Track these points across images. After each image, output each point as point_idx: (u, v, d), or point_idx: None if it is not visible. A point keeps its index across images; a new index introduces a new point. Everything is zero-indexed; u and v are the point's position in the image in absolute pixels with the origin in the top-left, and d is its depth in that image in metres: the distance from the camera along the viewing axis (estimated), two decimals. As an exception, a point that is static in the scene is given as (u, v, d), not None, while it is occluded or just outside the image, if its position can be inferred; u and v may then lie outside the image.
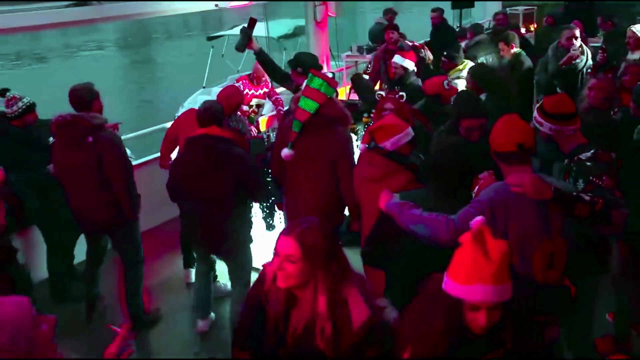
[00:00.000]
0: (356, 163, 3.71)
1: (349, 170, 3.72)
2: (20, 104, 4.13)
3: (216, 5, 5.91)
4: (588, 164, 2.84)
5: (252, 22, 4.77)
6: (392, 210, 2.57)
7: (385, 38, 6.87)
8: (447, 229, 2.37)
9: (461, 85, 5.22)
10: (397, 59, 5.63)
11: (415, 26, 7.57)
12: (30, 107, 4.18)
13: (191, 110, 4.50)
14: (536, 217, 2.43)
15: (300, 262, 1.96)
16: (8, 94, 4.17)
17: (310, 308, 1.99)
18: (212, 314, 4.31)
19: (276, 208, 4.74)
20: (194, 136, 3.69)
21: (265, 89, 6.15)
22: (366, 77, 5.95)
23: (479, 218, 1.95)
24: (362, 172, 3.49)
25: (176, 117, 5.14)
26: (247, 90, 5.97)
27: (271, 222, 4.97)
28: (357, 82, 5.83)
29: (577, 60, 5.94)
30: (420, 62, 5.89)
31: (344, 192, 3.79)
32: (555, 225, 2.48)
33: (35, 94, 4.39)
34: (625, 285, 3.61)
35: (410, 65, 5.58)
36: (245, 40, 4.70)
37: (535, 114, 3.08)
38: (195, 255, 4.42)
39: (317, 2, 7.17)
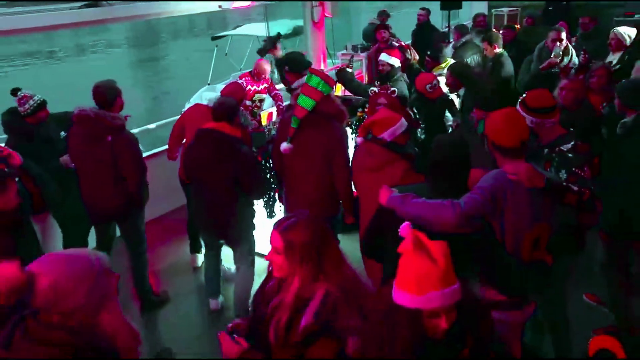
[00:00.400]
0: (353, 155, 3.74)
1: (343, 164, 3.78)
2: (31, 102, 4.14)
3: (220, 7, 5.95)
4: (569, 155, 2.88)
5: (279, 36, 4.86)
6: (393, 203, 2.51)
7: (377, 37, 6.96)
8: (453, 212, 2.33)
9: (442, 81, 5.30)
10: (383, 56, 5.72)
11: (404, 26, 7.61)
12: (42, 105, 4.18)
13: (196, 105, 4.58)
14: (529, 204, 2.49)
15: (283, 255, 1.99)
16: (19, 93, 4.17)
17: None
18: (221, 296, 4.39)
19: (277, 197, 4.81)
20: (205, 129, 3.73)
21: (265, 85, 6.24)
22: (349, 70, 5.98)
23: (405, 224, 1.90)
24: (362, 163, 3.50)
25: (182, 112, 5.21)
26: (249, 86, 6.03)
27: (272, 210, 5.06)
28: (341, 75, 5.90)
29: (555, 69, 5.95)
30: (405, 61, 5.96)
31: (339, 186, 3.83)
32: (545, 212, 2.56)
33: (49, 90, 4.43)
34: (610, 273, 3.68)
35: (396, 62, 5.67)
36: (270, 46, 4.85)
37: (517, 107, 3.09)
38: (202, 241, 4.47)
39: (314, 3, 7.20)
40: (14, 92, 4.24)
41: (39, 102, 4.17)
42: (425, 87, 4.96)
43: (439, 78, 5.33)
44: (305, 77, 3.87)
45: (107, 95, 3.82)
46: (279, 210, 4.82)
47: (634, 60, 5.08)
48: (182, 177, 4.36)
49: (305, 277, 1.97)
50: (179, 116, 5.08)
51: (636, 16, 10.37)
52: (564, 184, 2.60)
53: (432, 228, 2.39)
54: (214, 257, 4.27)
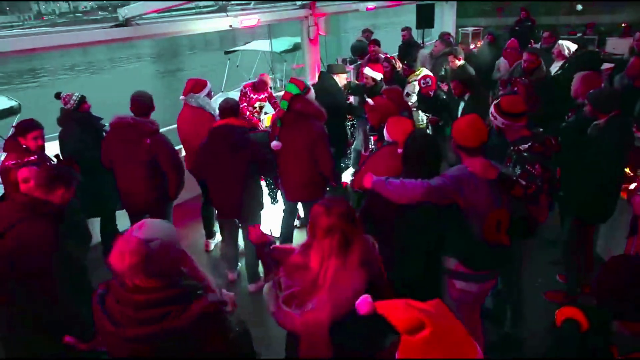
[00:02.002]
0: (379, 154, 3.40)
1: (325, 153, 3.82)
2: (74, 97, 4.15)
3: (230, 26, 5.90)
4: (525, 154, 2.86)
5: None
6: (378, 185, 2.51)
7: (368, 50, 6.85)
8: (422, 186, 2.40)
9: (416, 87, 5.26)
10: (367, 70, 5.54)
11: (385, 42, 7.57)
12: (83, 98, 4.20)
13: (183, 109, 4.46)
14: (488, 192, 2.48)
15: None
16: (62, 94, 4.19)
17: None
18: (239, 265, 4.38)
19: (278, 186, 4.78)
20: (217, 126, 3.73)
21: (265, 94, 6.13)
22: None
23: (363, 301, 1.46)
24: (394, 164, 3.01)
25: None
26: (251, 95, 5.98)
27: (275, 197, 5.02)
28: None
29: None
30: (392, 69, 5.88)
31: (324, 169, 3.88)
32: (504, 200, 2.54)
33: (89, 97, 4.36)
34: (576, 252, 3.66)
35: (378, 76, 5.48)
36: None
37: (492, 109, 3.06)
38: (219, 224, 4.46)
39: (310, 23, 7.17)
40: (57, 95, 4.24)
41: (79, 96, 4.20)
42: (420, 82, 5.01)
43: (414, 83, 5.29)
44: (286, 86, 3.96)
45: (145, 103, 3.81)
46: (280, 197, 4.79)
47: (573, 68, 5.09)
48: (192, 172, 4.27)
49: None
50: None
51: (578, 35, 10.40)
52: (514, 178, 2.58)
53: (405, 199, 2.43)
54: (231, 235, 4.22)
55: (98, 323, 1.67)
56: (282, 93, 4.26)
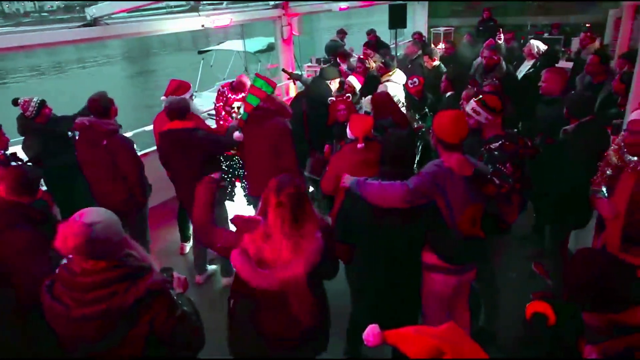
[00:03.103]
0: (339, 155, 3.42)
1: (287, 147, 3.84)
2: (32, 103, 4.03)
3: (202, 26, 5.83)
4: (495, 152, 2.87)
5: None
6: (355, 185, 2.52)
7: (363, 52, 6.89)
8: (401, 189, 2.41)
9: (390, 87, 5.24)
10: (351, 78, 5.53)
11: (361, 41, 7.65)
12: (42, 103, 4.07)
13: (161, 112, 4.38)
14: (464, 188, 2.50)
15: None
16: (19, 100, 4.02)
17: None
18: (210, 267, 4.39)
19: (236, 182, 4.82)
20: (163, 131, 3.73)
21: (243, 94, 6.07)
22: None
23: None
24: (356, 158, 3.17)
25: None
26: (229, 95, 5.90)
27: (233, 193, 4.97)
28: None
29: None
30: (365, 69, 5.91)
31: (287, 163, 3.85)
32: (479, 195, 2.57)
33: (56, 99, 4.25)
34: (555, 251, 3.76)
35: (358, 86, 5.47)
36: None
37: (474, 105, 3.03)
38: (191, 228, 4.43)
39: (283, 23, 7.15)
40: (15, 102, 4.10)
41: (38, 101, 4.06)
42: (408, 82, 5.06)
43: (387, 83, 5.32)
44: (253, 80, 3.97)
45: (101, 105, 3.71)
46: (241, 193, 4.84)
47: (542, 67, 5.26)
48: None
49: None
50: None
51: (545, 35, 10.70)
52: (489, 176, 2.60)
53: (385, 204, 2.45)
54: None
55: (47, 310, 1.75)
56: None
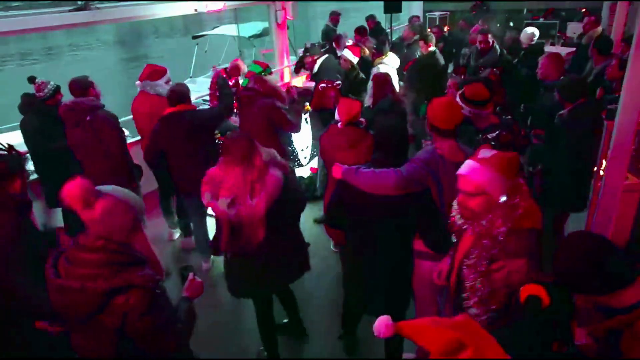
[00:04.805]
0: (323, 138, 3.55)
1: (281, 118, 4.07)
2: (49, 86, 4.03)
3: (195, 10, 5.74)
4: (492, 143, 2.83)
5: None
6: (347, 175, 2.52)
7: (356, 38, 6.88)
8: (395, 176, 2.40)
9: (382, 68, 5.25)
10: (345, 52, 5.55)
11: (355, 25, 7.59)
12: (58, 88, 4.08)
13: (138, 96, 4.34)
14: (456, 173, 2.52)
15: None
16: (37, 80, 4.03)
17: None
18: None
19: None
20: (166, 115, 3.70)
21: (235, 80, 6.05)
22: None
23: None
24: (334, 141, 3.36)
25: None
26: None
27: None
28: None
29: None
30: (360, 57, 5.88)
31: (287, 129, 4.22)
32: None
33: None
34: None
35: (355, 59, 5.55)
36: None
37: (457, 99, 3.02)
38: (179, 214, 4.56)
39: (277, 7, 7.06)
40: (32, 79, 4.08)
41: (55, 86, 4.08)
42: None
43: (380, 66, 5.29)
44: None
45: (81, 85, 3.75)
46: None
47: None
48: (147, 159, 4.03)
49: None
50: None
51: (540, 20, 10.65)
52: None
53: (379, 192, 2.44)
54: (200, 222, 4.16)
55: (46, 274, 1.75)
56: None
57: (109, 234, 1.72)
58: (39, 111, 3.99)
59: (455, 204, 2.04)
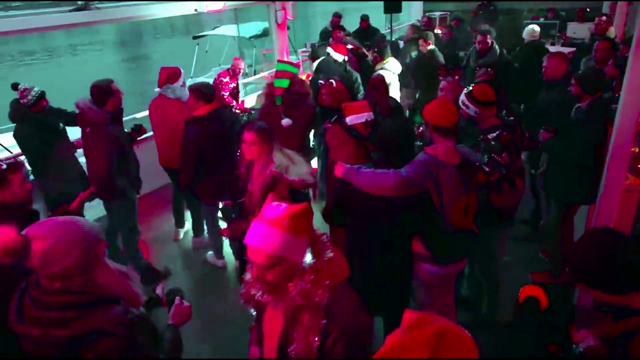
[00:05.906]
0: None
1: (314, 122, 4.24)
2: (33, 92, 3.95)
3: (195, 10, 5.74)
4: (492, 143, 2.84)
5: None
6: (348, 174, 2.51)
7: (332, 36, 6.84)
8: (395, 178, 2.39)
9: (383, 74, 5.14)
10: (329, 50, 5.52)
11: (355, 26, 7.59)
12: (42, 94, 4.01)
13: (157, 100, 4.22)
14: (455, 177, 2.48)
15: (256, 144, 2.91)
16: (20, 86, 3.96)
17: None
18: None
19: None
20: (204, 115, 3.60)
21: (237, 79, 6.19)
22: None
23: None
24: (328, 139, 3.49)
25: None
26: (227, 79, 6.03)
27: None
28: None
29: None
30: (358, 60, 5.84)
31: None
32: (472, 184, 2.55)
33: (48, 85, 4.18)
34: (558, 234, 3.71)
35: (340, 57, 5.45)
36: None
37: (462, 98, 2.98)
38: (192, 213, 4.54)
39: (277, 8, 7.06)
40: (15, 86, 4.01)
41: (39, 92, 4.00)
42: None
43: (381, 71, 5.26)
44: (277, 65, 4.23)
45: (96, 93, 3.54)
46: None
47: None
48: (186, 180, 3.86)
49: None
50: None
51: (541, 20, 10.65)
52: (477, 164, 2.57)
53: (379, 192, 2.44)
54: (214, 223, 4.17)
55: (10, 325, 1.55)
56: (255, 77, 4.32)
57: (61, 275, 1.48)
58: (30, 121, 3.94)
59: (249, 278, 1.60)
